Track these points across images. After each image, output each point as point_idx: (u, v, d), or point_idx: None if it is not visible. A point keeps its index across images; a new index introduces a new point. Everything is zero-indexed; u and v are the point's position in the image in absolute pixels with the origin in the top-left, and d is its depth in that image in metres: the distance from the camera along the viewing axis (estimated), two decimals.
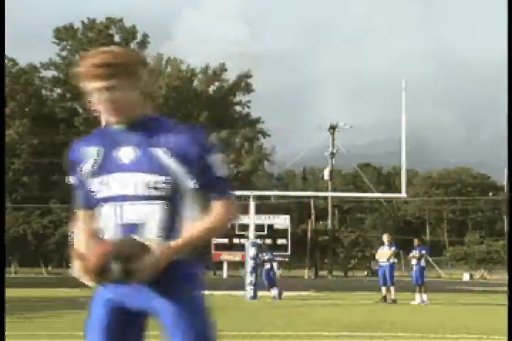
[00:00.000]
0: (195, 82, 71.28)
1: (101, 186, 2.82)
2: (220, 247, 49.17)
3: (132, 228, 2.76)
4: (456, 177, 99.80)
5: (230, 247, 48.68)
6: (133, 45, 78.36)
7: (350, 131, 61.12)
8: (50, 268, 58.78)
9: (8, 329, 9.24)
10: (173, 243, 2.73)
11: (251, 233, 23.51)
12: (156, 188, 2.75)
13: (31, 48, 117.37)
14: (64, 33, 75.92)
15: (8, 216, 57.23)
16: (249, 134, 67.87)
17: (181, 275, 2.80)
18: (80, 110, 74.99)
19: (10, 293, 16.41)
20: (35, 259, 61.50)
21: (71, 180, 2.97)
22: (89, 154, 2.89)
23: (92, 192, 2.86)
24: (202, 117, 67.90)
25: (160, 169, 2.76)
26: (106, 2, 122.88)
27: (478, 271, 63.94)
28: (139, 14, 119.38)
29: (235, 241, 48.21)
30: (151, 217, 2.76)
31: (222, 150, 2.86)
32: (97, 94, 2.87)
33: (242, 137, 66.30)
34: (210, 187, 2.80)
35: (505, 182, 72.83)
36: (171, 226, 2.79)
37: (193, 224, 2.80)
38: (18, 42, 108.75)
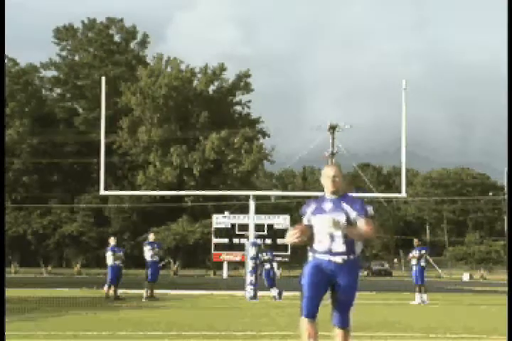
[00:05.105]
0: (195, 82, 71.26)
1: None
2: (220, 247, 49.17)
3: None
4: (456, 177, 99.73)
5: (230, 247, 48.68)
6: (133, 45, 78.40)
7: (350, 131, 61.01)
8: (50, 268, 58.78)
9: (8, 329, 9.24)
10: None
11: (251, 233, 23.52)
12: None
13: (31, 48, 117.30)
14: (64, 33, 75.87)
15: (8, 216, 57.25)
16: (249, 134, 67.84)
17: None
18: (80, 110, 74.98)
19: (10, 293, 16.44)
20: (35, 259, 61.54)
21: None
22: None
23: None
24: (202, 117, 67.86)
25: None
26: (106, 2, 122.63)
27: (478, 271, 63.93)
28: (139, 14, 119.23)
29: (235, 241, 48.22)
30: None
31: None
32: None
33: (242, 137, 66.27)
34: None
35: (505, 182, 72.82)
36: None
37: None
38: (18, 42, 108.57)
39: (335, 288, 6.40)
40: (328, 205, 6.48)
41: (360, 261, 6.50)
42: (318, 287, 6.38)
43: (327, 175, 6.55)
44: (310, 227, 6.49)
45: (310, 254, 6.56)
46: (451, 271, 66.61)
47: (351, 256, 6.34)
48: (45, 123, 68.25)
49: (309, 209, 6.60)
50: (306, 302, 6.37)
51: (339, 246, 6.33)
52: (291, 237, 6.34)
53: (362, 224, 6.33)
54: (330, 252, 6.35)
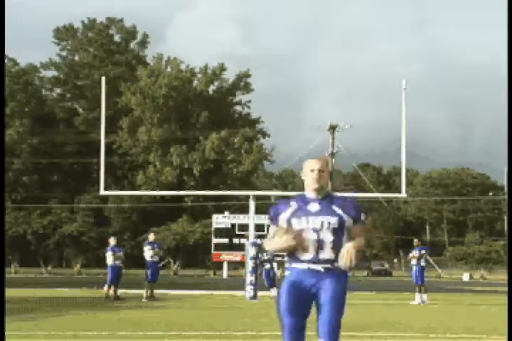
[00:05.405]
0: (195, 82, 71.27)
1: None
2: (220, 247, 49.16)
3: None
4: (456, 177, 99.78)
5: (230, 247, 48.67)
6: (133, 45, 78.41)
7: (350, 131, 61.07)
8: (50, 268, 58.76)
9: (8, 329, 9.23)
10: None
11: (251, 233, 23.53)
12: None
13: (31, 48, 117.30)
14: (64, 33, 75.87)
15: (8, 216, 57.26)
16: (249, 134, 67.86)
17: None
18: (80, 110, 74.99)
19: (10, 293, 16.43)
20: (35, 259, 61.54)
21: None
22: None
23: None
24: (202, 117, 67.87)
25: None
26: (106, 2, 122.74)
27: (478, 271, 63.93)
28: (139, 14, 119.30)
29: (235, 241, 48.22)
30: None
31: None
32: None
33: (242, 137, 66.28)
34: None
35: (505, 182, 72.83)
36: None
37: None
38: (18, 42, 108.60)
39: (318, 300, 5.26)
40: (314, 206, 5.31)
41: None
42: (299, 309, 5.23)
43: (310, 169, 5.35)
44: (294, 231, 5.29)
45: (287, 266, 5.41)
46: (451, 271, 66.60)
47: (336, 263, 5.26)
48: (45, 123, 68.28)
49: (289, 209, 5.35)
50: (289, 330, 5.23)
51: (327, 253, 5.24)
52: (287, 242, 5.23)
53: (358, 234, 5.34)
54: (315, 260, 5.25)
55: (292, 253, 5.32)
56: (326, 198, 5.35)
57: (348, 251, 5.14)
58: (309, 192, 5.37)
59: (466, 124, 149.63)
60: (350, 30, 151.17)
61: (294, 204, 5.36)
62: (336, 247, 5.23)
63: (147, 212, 63.91)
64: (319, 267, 5.24)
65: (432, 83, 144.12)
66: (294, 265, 5.31)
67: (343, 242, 5.25)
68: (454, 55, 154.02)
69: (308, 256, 5.25)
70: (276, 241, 5.30)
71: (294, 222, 5.28)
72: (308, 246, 5.25)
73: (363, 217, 5.41)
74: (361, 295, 23.95)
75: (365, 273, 65.53)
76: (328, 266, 5.24)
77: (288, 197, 5.71)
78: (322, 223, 5.23)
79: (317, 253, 5.23)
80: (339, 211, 5.29)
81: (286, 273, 5.39)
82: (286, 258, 5.41)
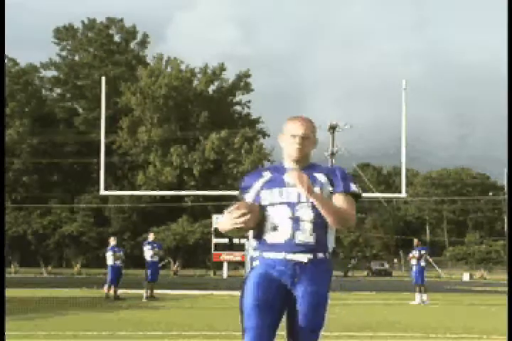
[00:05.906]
0: (195, 82, 71.28)
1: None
2: (220, 247, 49.11)
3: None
4: (456, 177, 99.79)
5: (230, 247, 48.64)
6: (133, 45, 78.41)
7: (350, 131, 61.03)
8: (50, 268, 58.73)
9: (8, 329, 9.23)
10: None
11: (251, 233, 23.48)
12: None
13: (31, 48, 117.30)
14: (64, 33, 75.90)
15: (8, 216, 57.25)
16: (249, 134, 67.86)
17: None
18: (80, 110, 75.01)
19: (10, 293, 16.42)
20: (35, 259, 61.51)
21: None
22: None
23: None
24: (202, 117, 67.86)
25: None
26: (106, 2, 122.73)
27: (478, 271, 63.93)
28: (139, 14, 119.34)
29: (235, 241, 48.18)
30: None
31: None
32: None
33: (242, 137, 66.28)
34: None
35: (505, 182, 72.82)
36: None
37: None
38: (18, 42, 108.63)
39: (294, 302, 3.99)
40: None
41: (331, 262, 4.11)
42: (269, 309, 3.93)
43: (292, 134, 4.21)
44: (258, 207, 4.07)
45: (253, 254, 4.19)
46: (451, 271, 66.60)
47: (321, 254, 4.02)
48: (45, 123, 68.28)
49: (259, 180, 4.16)
50: (251, 336, 3.91)
51: (306, 236, 3.99)
52: (231, 222, 4.04)
53: (340, 202, 4.07)
54: (290, 245, 3.97)
55: (259, 235, 4.15)
56: (307, 168, 4.17)
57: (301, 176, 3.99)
58: (287, 162, 4.24)
59: (466, 124, 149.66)
60: (350, 30, 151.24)
61: (267, 174, 4.19)
62: (317, 229, 4.02)
63: (147, 212, 63.91)
64: (299, 256, 3.99)
65: (432, 83, 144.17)
66: (265, 254, 4.08)
67: (327, 223, 4.04)
68: (454, 55, 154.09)
69: (281, 239, 4.02)
70: (222, 220, 4.15)
71: (264, 194, 4.12)
72: (278, 227, 4.04)
73: (353, 186, 4.20)
74: (361, 295, 23.97)
75: (365, 273, 65.56)
76: (310, 255, 3.99)
77: None
78: (299, 196, 4.04)
79: (293, 235, 4.00)
80: (322, 179, 4.13)
81: (254, 263, 4.12)
82: (251, 244, 4.15)
